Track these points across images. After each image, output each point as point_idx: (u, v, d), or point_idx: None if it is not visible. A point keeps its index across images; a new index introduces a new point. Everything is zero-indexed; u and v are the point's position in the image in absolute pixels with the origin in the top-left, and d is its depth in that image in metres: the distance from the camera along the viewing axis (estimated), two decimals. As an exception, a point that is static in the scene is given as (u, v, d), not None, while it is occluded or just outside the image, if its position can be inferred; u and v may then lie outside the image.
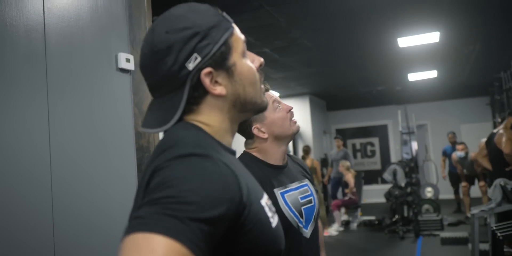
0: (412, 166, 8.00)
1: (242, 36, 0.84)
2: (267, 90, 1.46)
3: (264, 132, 1.43)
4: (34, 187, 1.56)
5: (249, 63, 0.84)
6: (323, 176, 9.38)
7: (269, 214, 0.75)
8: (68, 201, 1.68)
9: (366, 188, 9.89)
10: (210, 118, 0.80)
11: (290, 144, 9.86)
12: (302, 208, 1.41)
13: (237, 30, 0.84)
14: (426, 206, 7.03)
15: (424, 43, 5.91)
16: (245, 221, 0.68)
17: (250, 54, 0.86)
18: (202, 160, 0.68)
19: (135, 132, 2.03)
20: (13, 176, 1.50)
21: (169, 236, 0.56)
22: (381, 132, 11.39)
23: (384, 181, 10.03)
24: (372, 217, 7.79)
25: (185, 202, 0.60)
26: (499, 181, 3.34)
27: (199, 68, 0.76)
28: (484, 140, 5.01)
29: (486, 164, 4.86)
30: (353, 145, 11.64)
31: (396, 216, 6.72)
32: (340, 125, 11.83)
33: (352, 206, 7.55)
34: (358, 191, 7.94)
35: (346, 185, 7.58)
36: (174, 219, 0.58)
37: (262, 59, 0.88)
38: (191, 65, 0.75)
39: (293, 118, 1.52)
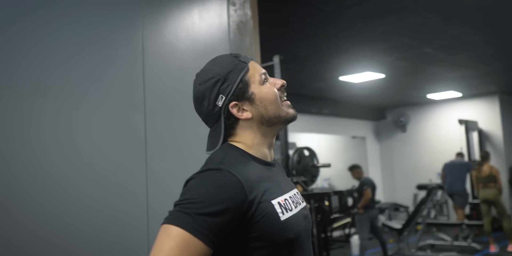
0: None
1: (260, 70, 1.11)
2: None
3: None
4: (130, 197, 1.89)
5: (266, 87, 1.09)
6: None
7: (279, 210, 0.99)
8: (163, 202, 1.99)
9: None
10: (244, 137, 1.09)
11: (476, 149, 8.99)
12: None
13: (253, 66, 1.11)
14: None
15: None
16: (253, 215, 0.95)
17: (272, 79, 1.13)
18: (213, 173, 0.96)
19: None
20: (110, 189, 1.85)
21: (179, 226, 0.86)
22: None
23: None
24: None
25: (192, 202, 0.90)
26: None
27: (226, 104, 1.06)
28: None
29: None
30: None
31: None
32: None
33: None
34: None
35: None
36: (185, 214, 0.88)
37: (283, 81, 1.13)
38: (220, 103, 1.05)
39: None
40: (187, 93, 2.13)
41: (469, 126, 8.83)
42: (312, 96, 8.47)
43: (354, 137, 10.32)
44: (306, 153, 3.96)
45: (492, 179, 6.55)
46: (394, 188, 10.24)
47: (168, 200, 1.98)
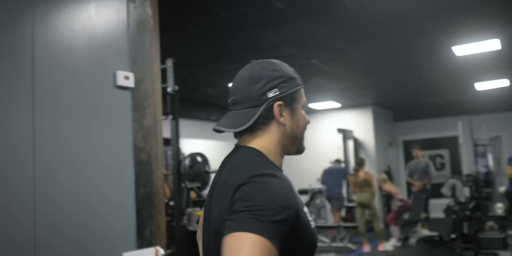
0: (483, 180, 7.48)
1: (305, 98, 1.17)
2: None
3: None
4: (16, 203, 1.70)
5: (304, 114, 1.16)
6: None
7: (310, 218, 1.03)
8: (57, 212, 1.81)
9: (434, 202, 9.40)
10: (270, 139, 1.09)
11: (351, 156, 9.68)
12: None
13: (303, 91, 1.17)
14: (490, 223, 6.56)
15: (485, 51, 5.58)
16: (299, 222, 0.95)
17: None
18: (271, 178, 0.95)
19: (134, 146, 2.14)
20: None
21: (258, 234, 0.84)
22: (451, 143, 10.81)
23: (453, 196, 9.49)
24: (434, 233, 7.41)
25: (264, 209, 0.87)
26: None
27: (275, 99, 1.07)
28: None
29: None
30: (422, 157, 11.14)
31: (456, 233, 6.35)
32: (407, 136, 11.40)
33: (406, 212, 7.33)
34: (418, 205, 7.61)
35: (390, 197, 7.42)
36: (259, 222, 0.85)
37: (309, 120, 1.19)
38: (270, 94, 1.07)
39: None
40: (81, 92, 1.97)
41: (346, 134, 9.48)
42: (202, 102, 8.44)
43: (240, 143, 10.47)
44: (199, 159, 3.90)
45: (367, 183, 7.09)
46: (277, 193, 10.56)
47: (58, 206, 1.79)
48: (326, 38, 4.89)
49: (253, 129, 1.09)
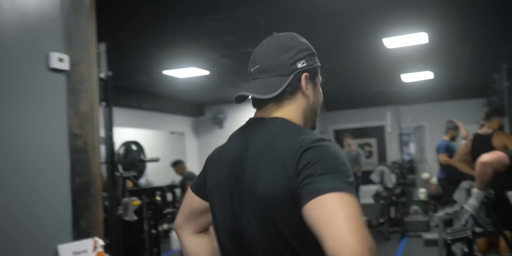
0: (407, 167, 7.90)
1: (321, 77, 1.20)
2: None
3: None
4: None
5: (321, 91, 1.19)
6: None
7: None
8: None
9: (364, 188, 9.80)
10: (295, 112, 1.10)
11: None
12: None
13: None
14: (414, 207, 6.97)
15: (413, 44, 5.84)
16: None
17: None
18: (331, 143, 0.98)
19: (70, 133, 2.02)
20: None
21: (350, 193, 0.87)
22: (378, 133, 11.30)
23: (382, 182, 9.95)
24: (364, 218, 7.75)
25: (341, 171, 0.91)
26: (465, 184, 3.30)
27: (303, 70, 1.10)
28: (464, 142, 4.92)
29: (467, 169, 4.71)
30: (351, 146, 11.55)
31: (384, 217, 6.68)
32: (338, 126, 11.76)
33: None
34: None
35: None
36: (343, 182, 0.88)
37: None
38: (299, 65, 1.09)
39: None
40: (10, 73, 1.82)
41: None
42: (134, 90, 8.19)
43: (172, 133, 10.32)
44: (134, 147, 3.78)
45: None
46: (211, 182, 10.53)
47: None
48: (264, 27, 4.88)
49: (279, 99, 1.09)
